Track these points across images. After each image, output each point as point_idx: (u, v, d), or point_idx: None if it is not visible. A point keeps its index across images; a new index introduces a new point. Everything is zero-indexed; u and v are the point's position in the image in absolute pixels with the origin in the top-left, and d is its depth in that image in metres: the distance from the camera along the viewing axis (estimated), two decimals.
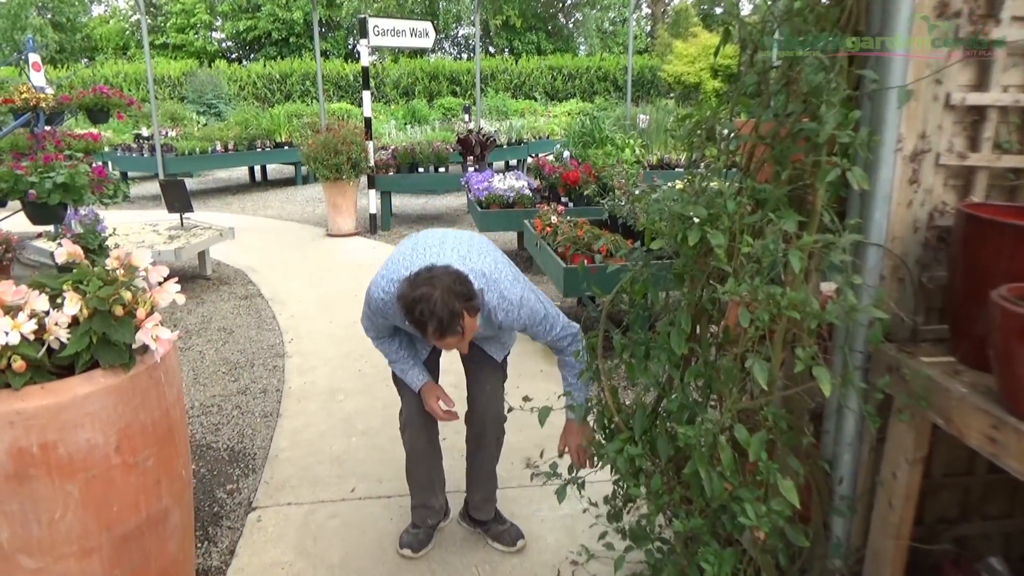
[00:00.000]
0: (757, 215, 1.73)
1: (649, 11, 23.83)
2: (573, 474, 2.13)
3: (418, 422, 2.42)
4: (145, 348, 1.54)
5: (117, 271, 1.59)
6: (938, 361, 1.67)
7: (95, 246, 4.63)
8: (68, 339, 1.47)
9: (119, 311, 1.50)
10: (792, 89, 1.77)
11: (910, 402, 1.62)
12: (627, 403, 2.17)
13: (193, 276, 6.20)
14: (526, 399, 2.14)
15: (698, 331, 1.97)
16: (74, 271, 1.60)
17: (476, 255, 2.18)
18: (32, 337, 1.44)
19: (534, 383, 3.80)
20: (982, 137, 1.77)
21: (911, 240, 1.81)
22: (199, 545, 2.55)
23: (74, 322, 1.50)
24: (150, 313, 1.54)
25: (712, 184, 2.02)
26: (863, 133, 1.64)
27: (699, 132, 1.95)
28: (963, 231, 1.61)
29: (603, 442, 2.11)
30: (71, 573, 1.47)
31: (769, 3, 1.88)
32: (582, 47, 26.44)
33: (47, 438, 1.40)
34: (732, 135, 1.87)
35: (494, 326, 2.19)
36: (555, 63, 21.48)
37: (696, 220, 1.68)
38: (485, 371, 2.50)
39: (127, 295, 1.52)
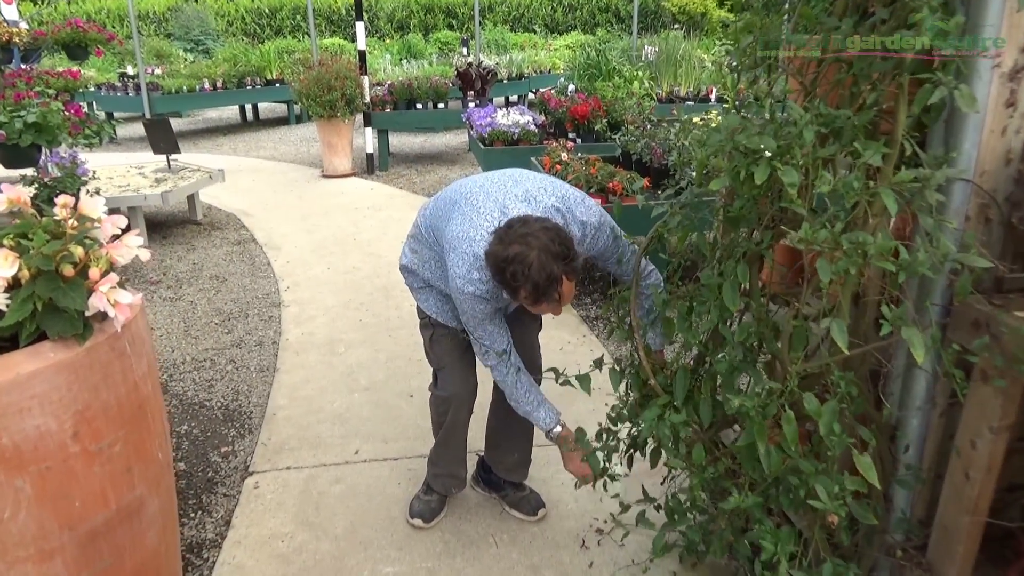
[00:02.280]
0: (831, 147, 1.45)
1: None
2: (603, 441, 1.91)
3: (464, 396, 2.17)
4: (104, 315, 1.28)
5: (67, 222, 1.32)
6: None
7: (75, 190, 4.33)
8: (7, 306, 1.21)
9: (69, 271, 1.24)
10: None
11: (1008, 365, 1.37)
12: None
13: (183, 221, 5.91)
14: (553, 371, 1.88)
15: (749, 284, 1.72)
16: (16, 222, 1.33)
17: (538, 191, 1.87)
18: None
19: (545, 331, 3.56)
20: None
21: (1002, 174, 1.54)
22: (192, 515, 2.35)
23: (14, 284, 1.24)
24: (106, 273, 1.27)
25: (765, 110, 1.73)
26: (969, 43, 1.35)
27: (754, 49, 1.66)
28: None
29: (636, 407, 1.88)
30: None
31: None
32: None
33: None
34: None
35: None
36: None
37: (767, 154, 1.40)
38: (525, 321, 2.26)
39: (78, 251, 1.26)
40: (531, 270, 1.60)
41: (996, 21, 1.39)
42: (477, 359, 2.08)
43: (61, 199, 1.31)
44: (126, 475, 1.35)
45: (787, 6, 1.87)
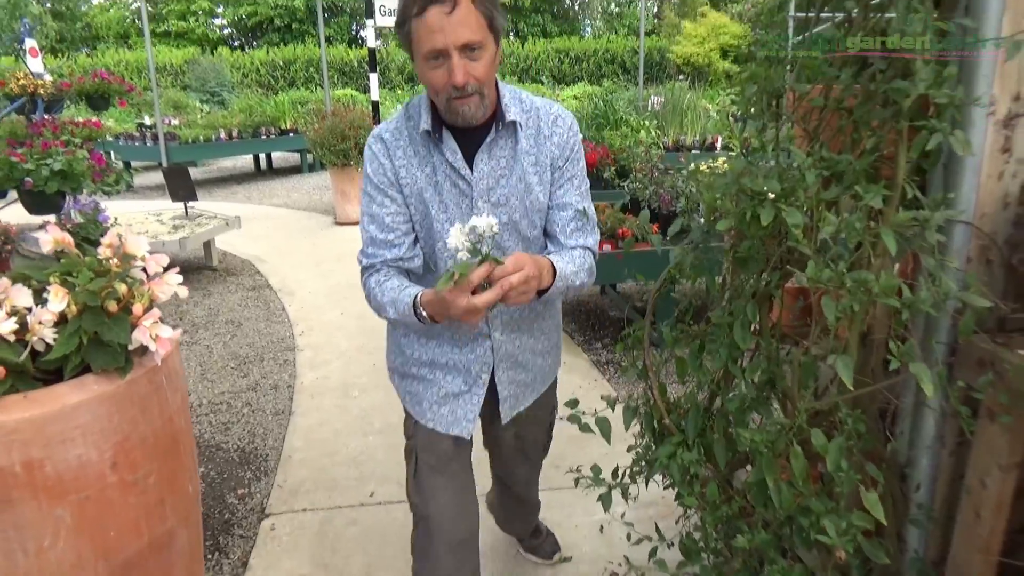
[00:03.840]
0: (834, 190, 1.53)
1: None
2: (618, 479, 1.94)
3: (443, 466, 1.76)
4: (144, 349, 1.34)
5: (110, 260, 1.40)
6: None
7: (96, 236, 4.44)
8: (55, 340, 1.28)
9: (113, 307, 1.31)
10: (871, 47, 1.56)
11: (1012, 402, 1.42)
12: (672, 398, 1.97)
13: (199, 267, 6.01)
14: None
15: (758, 322, 1.77)
16: (62, 261, 1.41)
17: None
18: (12, 338, 1.25)
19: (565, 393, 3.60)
20: None
21: (1001, 217, 1.60)
22: (209, 556, 2.37)
23: (61, 320, 1.30)
24: (148, 309, 1.34)
25: (769, 155, 1.81)
26: (960, 92, 1.43)
27: (760, 98, 1.74)
28: None
29: (652, 445, 1.91)
30: None
31: None
32: (587, 29, 26.07)
33: (31, 455, 1.21)
34: (801, 100, 1.67)
35: (541, 142, 1.56)
36: (561, 46, 21.14)
37: (771, 196, 1.47)
38: (515, 448, 1.99)
39: (121, 288, 1.33)
40: None
41: (988, 72, 1.47)
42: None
43: (106, 239, 1.38)
44: (159, 507, 1.40)
45: (789, 57, 1.96)
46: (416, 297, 1.44)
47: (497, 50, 1.45)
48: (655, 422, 1.90)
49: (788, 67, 1.88)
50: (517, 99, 1.56)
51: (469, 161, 1.50)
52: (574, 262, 1.58)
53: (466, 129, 1.49)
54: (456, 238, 1.24)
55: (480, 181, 1.50)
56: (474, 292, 1.29)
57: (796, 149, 1.57)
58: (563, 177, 1.59)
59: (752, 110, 1.81)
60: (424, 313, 1.42)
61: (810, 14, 1.77)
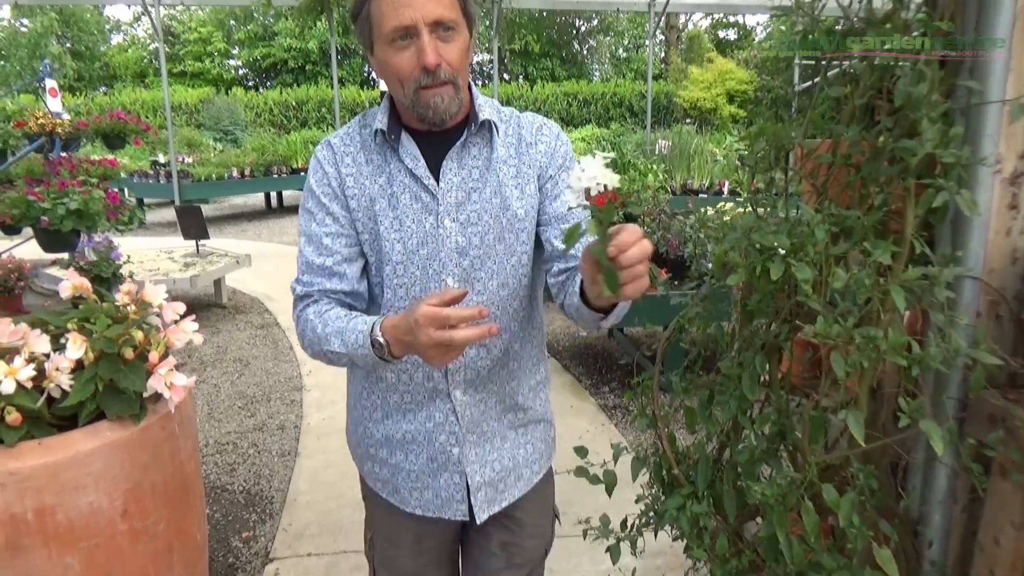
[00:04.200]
0: (843, 245, 1.54)
1: (663, 37, 23.86)
2: (628, 530, 1.93)
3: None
4: (158, 395, 1.35)
5: (128, 307, 1.42)
6: None
7: (109, 274, 4.49)
8: (71, 386, 1.29)
9: (129, 354, 1.32)
10: (879, 103, 1.60)
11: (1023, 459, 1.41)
12: (681, 447, 1.96)
13: (208, 304, 6.05)
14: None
15: (768, 373, 1.77)
16: (80, 307, 1.43)
17: None
18: (30, 385, 1.27)
19: (563, 420, 3.59)
20: None
21: (1009, 273, 1.62)
22: None
23: (78, 366, 1.32)
24: (164, 356, 1.36)
25: (778, 209, 1.83)
26: (966, 152, 1.45)
27: (768, 153, 1.78)
28: None
29: (661, 496, 1.90)
30: None
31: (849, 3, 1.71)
32: (596, 73, 26.48)
33: (44, 502, 1.22)
34: (808, 156, 1.70)
35: (523, 151, 1.33)
36: (570, 89, 21.46)
37: (781, 251, 1.49)
38: (519, 558, 1.55)
39: (138, 335, 1.35)
40: None
41: (994, 131, 1.50)
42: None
43: (124, 286, 1.41)
44: (167, 554, 1.39)
45: (795, 112, 2.00)
46: (376, 323, 1.16)
47: (471, 40, 1.25)
48: (664, 472, 1.89)
49: (795, 122, 1.92)
50: (491, 104, 1.34)
51: (434, 171, 1.26)
52: None
53: (429, 133, 1.27)
54: (577, 181, 0.88)
55: (448, 194, 1.25)
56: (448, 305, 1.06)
57: (805, 205, 1.59)
58: (558, 187, 1.33)
59: (760, 165, 1.84)
60: (383, 340, 1.14)
61: (817, 61, 1.81)
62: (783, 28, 1.96)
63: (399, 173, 1.26)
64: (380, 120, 1.27)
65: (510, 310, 1.34)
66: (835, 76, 1.81)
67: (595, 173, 0.88)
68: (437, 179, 1.26)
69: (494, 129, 1.30)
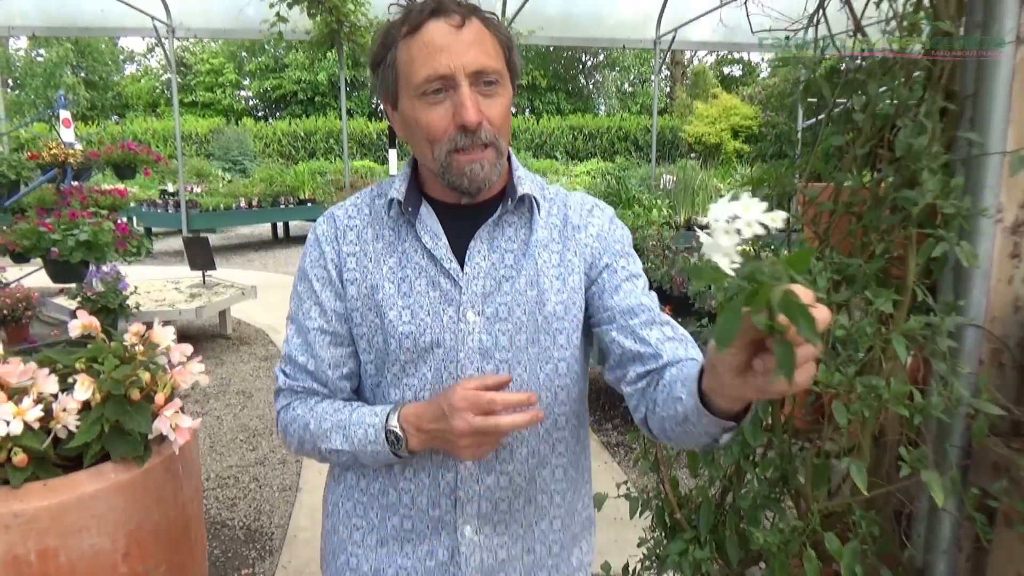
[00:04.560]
0: (844, 293, 1.56)
1: (668, 72, 24.16)
2: (631, 575, 1.91)
3: None
4: (162, 437, 1.36)
5: (136, 347, 1.44)
6: None
7: (116, 305, 4.52)
8: (77, 427, 1.30)
9: (136, 395, 1.34)
10: (880, 152, 1.62)
11: None
12: (684, 491, 1.96)
13: (213, 335, 6.07)
14: None
15: (771, 419, 1.78)
16: (89, 346, 1.45)
17: None
18: (37, 425, 1.28)
19: None
20: None
21: (1012, 320, 1.62)
22: None
23: (85, 406, 1.33)
24: (170, 398, 1.37)
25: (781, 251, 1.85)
26: (967, 203, 1.47)
27: (770, 197, 1.80)
28: None
29: (663, 540, 1.89)
30: None
31: (850, 57, 1.75)
32: (601, 107, 26.76)
33: (47, 544, 1.22)
34: (810, 204, 1.72)
35: (569, 235, 1.12)
36: (576, 123, 21.68)
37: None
38: None
39: (145, 376, 1.36)
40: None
41: (995, 183, 1.51)
42: None
43: (133, 328, 1.43)
44: None
45: (799, 153, 2.02)
46: (391, 412, 1.00)
47: (512, 98, 1.07)
48: (667, 516, 1.88)
49: (797, 167, 1.95)
50: (533, 178, 1.14)
51: (458, 253, 1.05)
52: None
53: (456, 207, 1.08)
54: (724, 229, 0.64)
55: (474, 281, 1.03)
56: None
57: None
58: (617, 277, 1.09)
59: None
60: (400, 431, 0.98)
61: (819, 101, 1.83)
62: (786, 68, 2.00)
63: (414, 253, 1.05)
64: (398, 188, 1.07)
65: (540, 430, 1.09)
66: (839, 116, 1.83)
67: (755, 216, 0.64)
68: (461, 263, 1.04)
69: (535, 206, 1.09)
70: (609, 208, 1.19)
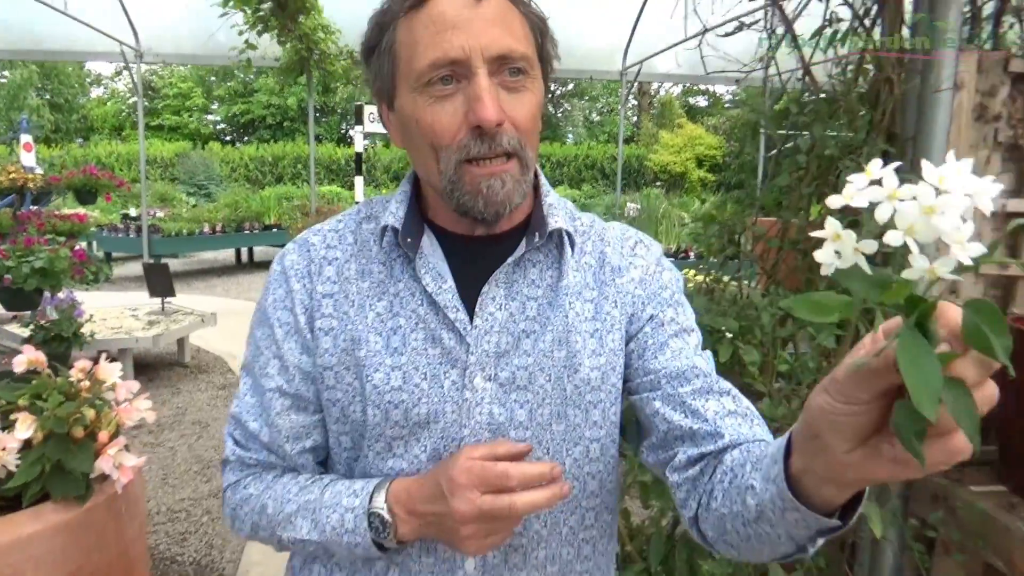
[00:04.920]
0: (789, 328, 1.60)
1: (635, 102, 24.60)
2: None
3: None
4: (105, 476, 1.35)
5: (81, 383, 1.42)
6: (989, 491, 1.51)
7: (70, 334, 4.43)
8: (17, 466, 1.28)
9: (79, 433, 1.32)
10: (826, 191, 1.68)
11: (965, 540, 1.45)
12: (635, 522, 1.97)
13: (171, 363, 5.97)
14: None
15: None
16: (33, 382, 1.43)
17: None
18: None
19: None
20: (1023, 245, 1.67)
21: None
22: None
23: (26, 444, 1.31)
24: (114, 436, 1.35)
25: (731, 286, 1.89)
26: None
27: (721, 236, 1.85)
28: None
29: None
30: None
31: (798, 101, 1.82)
32: (570, 136, 27.10)
33: None
34: (758, 240, 1.77)
35: (607, 279, 0.88)
36: (544, 151, 21.90)
37: (728, 334, 1.54)
38: None
39: (90, 413, 1.34)
40: None
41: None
42: None
43: (79, 364, 1.41)
44: None
45: (761, 190, 2.08)
46: (376, 490, 0.79)
47: (544, 98, 0.85)
48: (618, 548, 1.89)
49: (745, 204, 2.01)
50: (565, 205, 0.92)
51: (468, 299, 0.82)
52: None
53: (469, 239, 0.86)
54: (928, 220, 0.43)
55: (485, 337, 0.81)
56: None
57: (753, 288, 1.66)
58: (664, 332, 0.86)
59: (713, 247, 1.91)
60: (388, 515, 0.77)
61: (783, 131, 1.89)
62: (747, 103, 2.06)
63: (411, 297, 0.83)
64: (393, 212, 0.84)
65: (563, 529, 0.85)
66: (787, 155, 1.90)
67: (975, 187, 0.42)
68: (471, 312, 0.82)
69: (566, 241, 0.86)
70: (656, 244, 0.95)
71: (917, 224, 0.42)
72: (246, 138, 25.69)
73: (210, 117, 26.29)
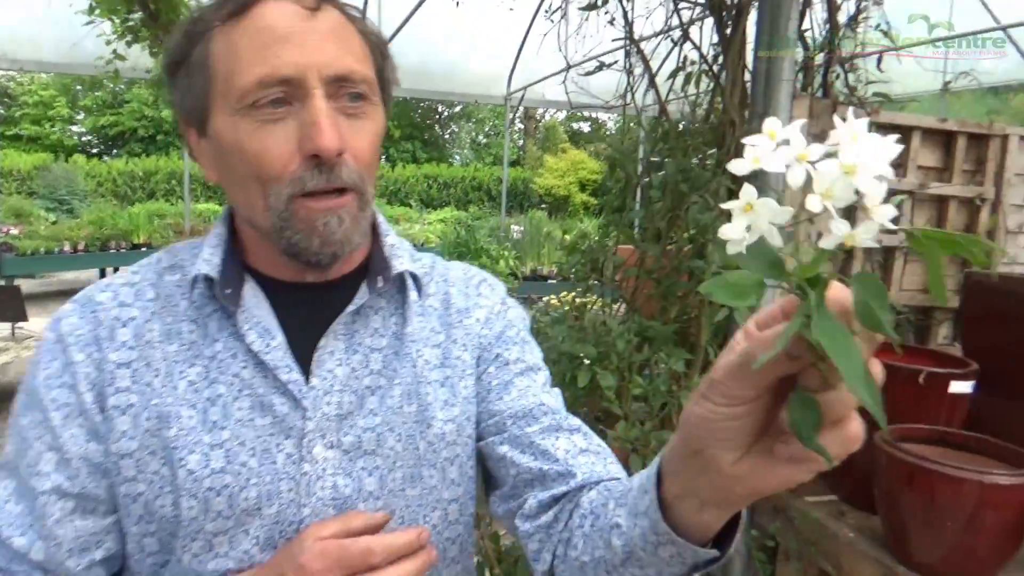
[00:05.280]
0: (645, 354, 1.70)
1: (521, 126, 25.11)
2: None
3: None
4: None
5: None
6: (822, 500, 1.66)
7: None
8: None
9: None
10: (677, 224, 1.80)
11: (801, 548, 1.57)
12: (504, 546, 2.02)
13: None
14: None
15: None
16: None
17: None
18: None
19: None
20: (852, 272, 1.85)
21: None
22: None
23: None
24: None
25: (595, 308, 1.98)
26: None
27: (584, 264, 1.93)
28: None
29: None
30: None
31: (641, 126, 1.95)
32: (456, 157, 27.29)
33: None
34: (617, 268, 1.87)
35: (453, 321, 0.83)
36: (431, 172, 21.92)
37: (587, 361, 1.62)
38: None
39: None
40: None
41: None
42: None
43: None
44: None
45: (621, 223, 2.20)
46: None
47: (384, 128, 0.76)
48: (486, 571, 1.92)
49: (605, 234, 2.12)
50: (403, 244, 0.83)
51: (302, 358, 0.73)
52: None
53: (297, 287, 0.76)
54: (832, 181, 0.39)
55: (324, 399, 0.72)
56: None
57: (609, 315, 1.75)
58: (509, 371, 0.82)
59: (579, 274, 2.00)
60: None
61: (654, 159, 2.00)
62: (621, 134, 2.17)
63: (232, 360, 0.71)
64: (207, 259, 0.72)
65: None
66: (644, 188, 2.01)
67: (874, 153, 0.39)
68: (306, 372, 0.72)
69: (411, 285, 0.80)
70: (500, 284, 0.92)
71: (835, 186, 0.38)
72: (115, 151, 24.23)
73: (75, 128, 24.63)
